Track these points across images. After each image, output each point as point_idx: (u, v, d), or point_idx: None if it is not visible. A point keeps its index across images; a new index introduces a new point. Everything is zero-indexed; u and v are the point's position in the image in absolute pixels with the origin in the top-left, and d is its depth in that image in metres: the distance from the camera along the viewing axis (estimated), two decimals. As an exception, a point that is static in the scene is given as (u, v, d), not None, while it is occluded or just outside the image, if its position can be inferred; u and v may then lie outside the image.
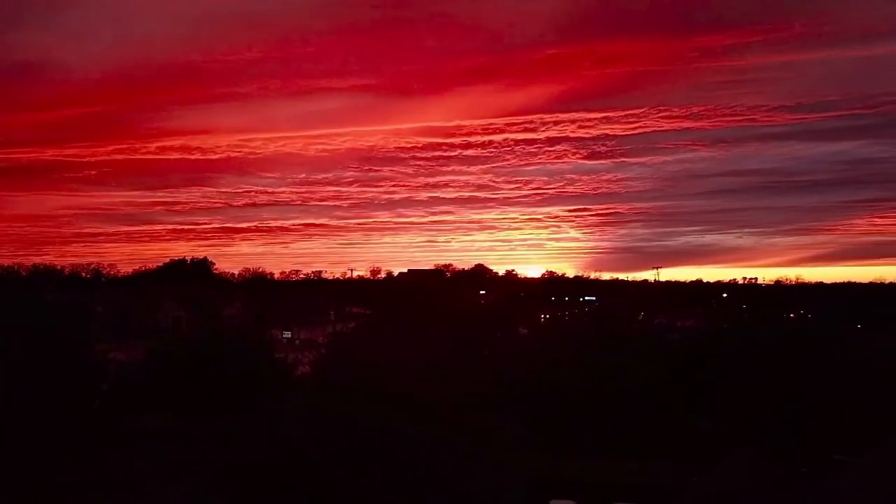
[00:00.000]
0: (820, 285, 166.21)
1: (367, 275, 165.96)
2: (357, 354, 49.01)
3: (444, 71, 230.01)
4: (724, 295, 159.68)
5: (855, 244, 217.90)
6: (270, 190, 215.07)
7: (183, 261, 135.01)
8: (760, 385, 40.52)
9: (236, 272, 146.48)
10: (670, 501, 29.73)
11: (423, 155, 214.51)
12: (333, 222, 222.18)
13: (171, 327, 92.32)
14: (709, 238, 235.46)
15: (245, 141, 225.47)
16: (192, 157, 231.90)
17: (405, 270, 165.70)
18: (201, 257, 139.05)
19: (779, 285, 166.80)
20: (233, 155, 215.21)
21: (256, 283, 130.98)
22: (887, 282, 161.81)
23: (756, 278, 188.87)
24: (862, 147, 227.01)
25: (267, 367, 42.41)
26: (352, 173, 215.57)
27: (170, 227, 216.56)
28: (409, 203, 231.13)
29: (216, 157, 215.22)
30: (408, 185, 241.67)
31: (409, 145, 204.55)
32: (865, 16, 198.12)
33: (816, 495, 25.02)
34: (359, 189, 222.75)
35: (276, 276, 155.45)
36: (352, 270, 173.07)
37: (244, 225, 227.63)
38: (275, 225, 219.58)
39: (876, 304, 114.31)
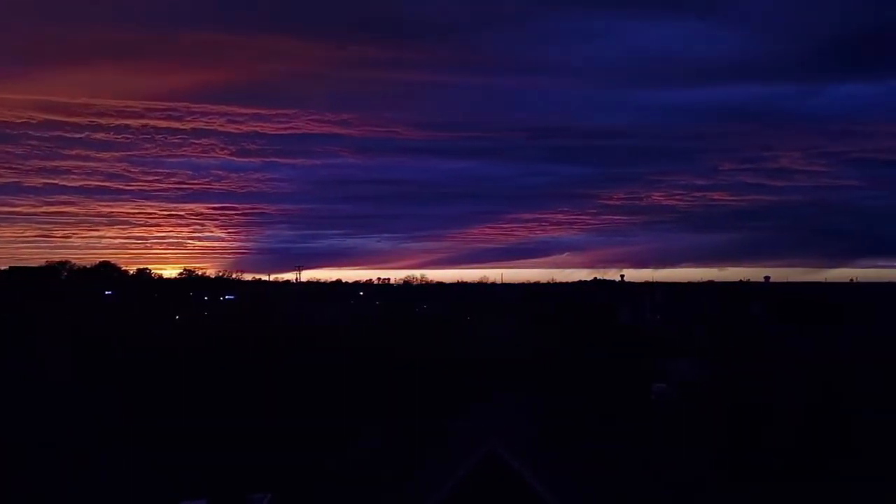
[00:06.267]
0: (440, 284, 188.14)
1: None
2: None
3: (72, 38, 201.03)
4: (361, 293, 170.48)
5: (469, 250, 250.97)
6: None
7: None
8: (391, 365, 44.34)
9: None
10: (303, 483, 30.32)
11: (39, 133, 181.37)
12: None
13: None
14: (350, 241, 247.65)
15: None
16: None
17: (6, 269, 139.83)
18: None
19: (407, 284, 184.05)
20: None
21: None
22: (490, 281, 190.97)
23: (389, 278, 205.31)
24: (480, 166, 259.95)
25: None
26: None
27: None
28: (17, 189, 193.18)
29: None
30: (16, 169, 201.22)
31: (20, 120, 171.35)
32: (498, 49, 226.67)
33: (430, 463, 27.87)
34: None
35: None
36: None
37: None
38: None
39: (481, 299, 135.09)
